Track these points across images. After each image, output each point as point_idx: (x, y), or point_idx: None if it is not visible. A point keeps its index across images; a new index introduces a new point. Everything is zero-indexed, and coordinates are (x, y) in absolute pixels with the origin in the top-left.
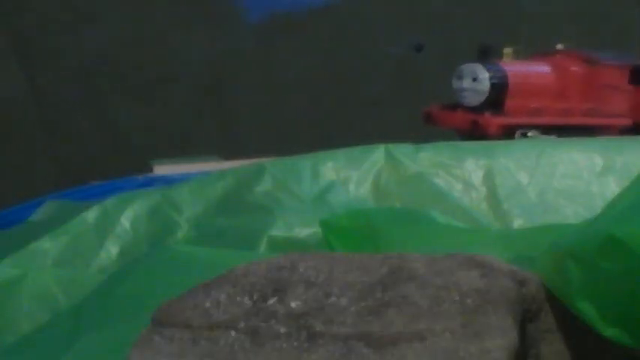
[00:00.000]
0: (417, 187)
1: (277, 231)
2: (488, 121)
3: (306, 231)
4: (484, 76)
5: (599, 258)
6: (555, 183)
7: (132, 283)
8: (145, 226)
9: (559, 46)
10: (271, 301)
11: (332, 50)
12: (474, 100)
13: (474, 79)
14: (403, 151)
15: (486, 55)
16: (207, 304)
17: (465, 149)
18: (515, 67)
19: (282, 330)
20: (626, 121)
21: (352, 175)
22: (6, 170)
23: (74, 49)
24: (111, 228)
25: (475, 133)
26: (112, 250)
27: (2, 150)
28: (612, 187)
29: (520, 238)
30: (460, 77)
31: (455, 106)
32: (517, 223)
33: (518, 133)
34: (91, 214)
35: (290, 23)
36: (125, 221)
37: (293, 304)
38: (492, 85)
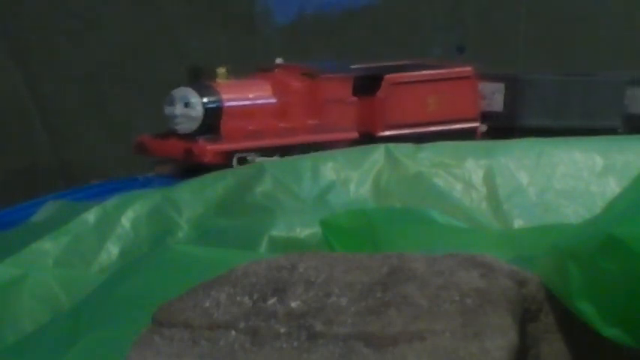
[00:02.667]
0: (417, 187)
1: (277, 231)
2: (202, 148)
3: (306, 231)
4: (196, 100)
5: (599, 258)
6: (555, 183)
7: (132, 284)
8: (145, 227)
9: (279, 61)
10: (271, 301)
11: (368, 54)
12: (187, 126)
13: (186, 105)
14: (403, 151)
15: (197, 76)
16: (207, 304)
17: (465, 149)
18: (231, 88)
19: (282, 330)
20: (353, 135)
21: (352, 175)
22: (6, 171)
23: (77, 53)
24: (111, 228)
25: (190, 161)
26: (112, 250)
27: (2, 150)
28: (612, 187)
29: (520, 238)
30: (172, 103)
31: (168, 133)
32: (517, 223)
33: (235, 159)
34: (92, 215)
35: (322, 25)
36: (126, 221)
37: (293, 304)
38: (206, 110)
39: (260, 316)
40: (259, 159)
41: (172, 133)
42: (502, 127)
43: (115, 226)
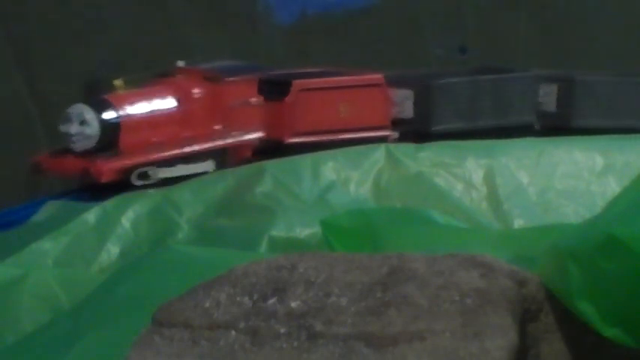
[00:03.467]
0: (417, 187)
1: (278, 231)
2: (100, 167)
3: (306, 231)
4: (92, 117)
5: (599, 258)
6: (556, 183)
7: (132, 284)
8: (145, 227)
9: (180, 64)
10: (271, 301)
11: (371, 53)
12: (84, 144)
13: (82, 122)
14: (404, 150)
15: (94, 91)
16: (207, 304)
17: (465, 149)
18: (129, 100)
19: (282, 330)
20: (259, 137)
21: (353, 175)
22: (6, 171)
23: (79, 52)
24: (111, 228)
25: (89, 180)
26: (112, 250)
27: (3, 150)
28: (613, 187)
29: (520, 238)
30: (67, 121)
31: (65, 151)
32: (517, 223)
33: (135, 176)
34: (92, 215)
35: (323, 25)
36: (126, 222)
37: (293, 304)
38: (103, 127)
39: (260, 316)
40: (156, 173)
41: (69, 151)
42: (414, 133)
43: (115, 226)
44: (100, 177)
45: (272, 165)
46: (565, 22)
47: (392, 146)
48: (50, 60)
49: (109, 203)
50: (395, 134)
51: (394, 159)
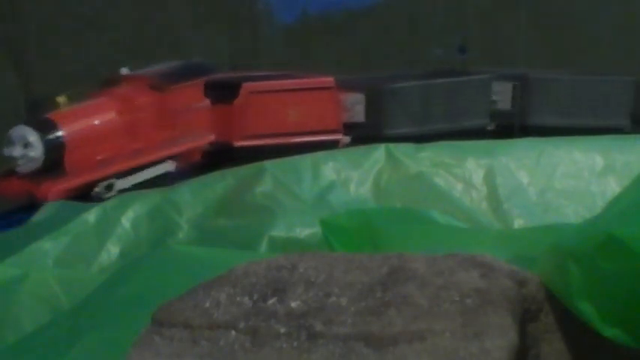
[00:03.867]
0: (417, 186)
1: (278, 231)
2: (45, 189)
3: (306, 231)
4: (35, 139)
5: (599, 258)
6: (556, 183)
7: (132, 284)
8: (145, 227)
9: (124, 71)
10: (271, 301)
11: (371, 53)
12: (29, 167)
13: (26, 145)
14: (404, 150)
15: (37, 110)
16: (207, 304)
17: (465, 149)
18: (73, 117)
19: (282, 330)
20: (208, 140)
21: (353, 175)
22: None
23: (77, 52)
24: (111, 228)
25: (35, 202)
26: (112, 250)
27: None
28: (613, 187)
29: (520, 238)
30: (10, 144)
31: (10, 172)
32: (517, 223)
33: (101, 188)
34: (92, 215)
35: (324, 25)
36: (126, 222)
37: (293, 304)
38: (47, 148)
39: (260, 316)
40: (105, 191)
41: (14, 173)
42: (366, 137)
43: (115, 226)
44: (47, 198)
45: (272, 165)
46: (565, 21)
47: (392, 146)
48: (47, 60)
49: (109, 203)
50: (346, 138)
51: (394, 159)
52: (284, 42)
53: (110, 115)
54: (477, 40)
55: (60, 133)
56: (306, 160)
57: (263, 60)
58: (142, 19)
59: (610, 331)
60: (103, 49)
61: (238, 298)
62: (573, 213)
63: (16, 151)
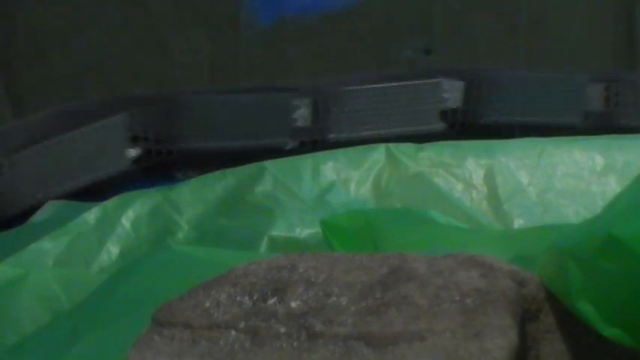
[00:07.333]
0: (417, 187)
1: (278, 231)
2: None
3: (306, 231)
4: None
5: (599, 258)
6: (556, 182)
7: (132, 284)
8: (145, 227)
9: None
10: (271, 301)
11: (346, 56)
12: None
13: None
14: (404, 150)
15: None
16: (207, 304)
17: (466, 149)
18: None
19: (282, 330)
20: None
21: (353, 175)
22: None
23: (62, 54)
24: (111, 228)
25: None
26: (112, 250)
27: None
28: (613, 187)
29: (520, 238)
30: None
31: None
32: (517, 223)
33: None
34: (92, 215)
35: (301, 28)
36: (126, 222)
37: (293, 304)
38: None
39: (260, 316)
40: None
41: None
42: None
43: (115, 226)
44: None
45: (272, 164)
46: (534, 22)
47: (392, 146)
48: (31, 61)
49: (109, 203)
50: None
51: (394, 159)
52: (262, 45)
53: None
54: (446, 41)
55: None
56: (305, 160)
57: (241, 63)
58: (123, 19)
59: (610, 331)
60: (86, 50)
61: (238, 298)
62: (573, 213)
63: None
